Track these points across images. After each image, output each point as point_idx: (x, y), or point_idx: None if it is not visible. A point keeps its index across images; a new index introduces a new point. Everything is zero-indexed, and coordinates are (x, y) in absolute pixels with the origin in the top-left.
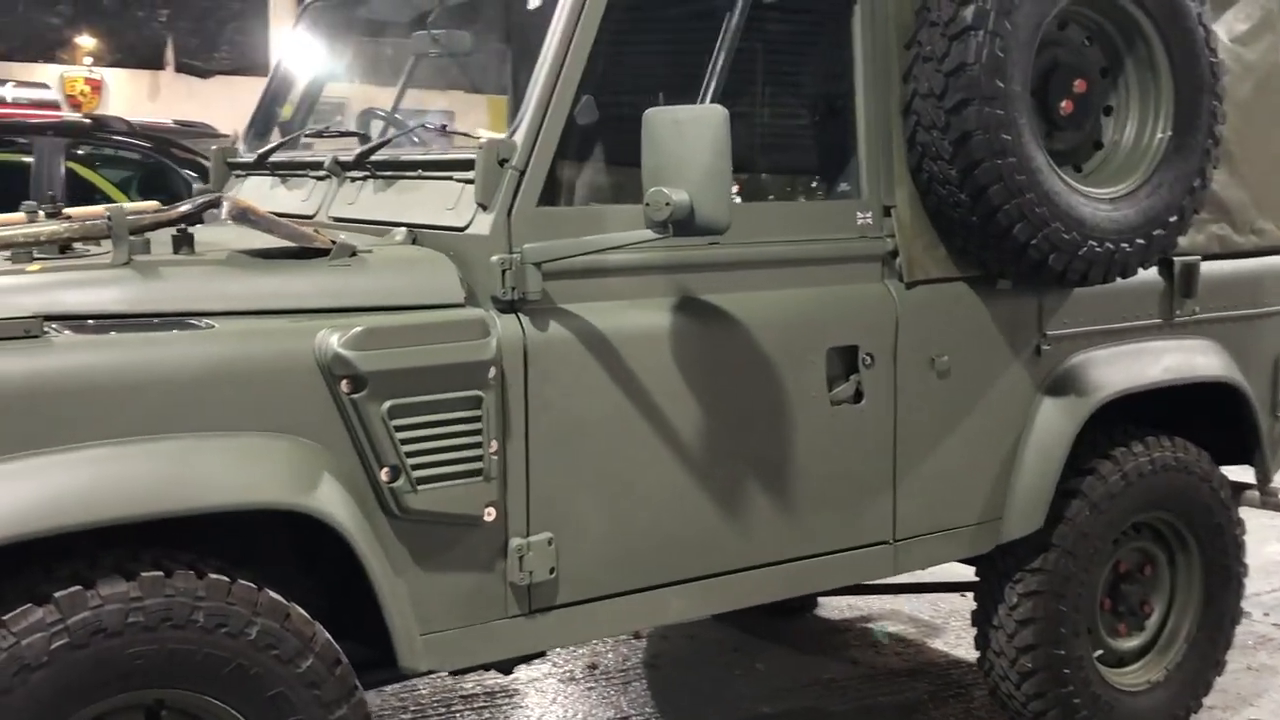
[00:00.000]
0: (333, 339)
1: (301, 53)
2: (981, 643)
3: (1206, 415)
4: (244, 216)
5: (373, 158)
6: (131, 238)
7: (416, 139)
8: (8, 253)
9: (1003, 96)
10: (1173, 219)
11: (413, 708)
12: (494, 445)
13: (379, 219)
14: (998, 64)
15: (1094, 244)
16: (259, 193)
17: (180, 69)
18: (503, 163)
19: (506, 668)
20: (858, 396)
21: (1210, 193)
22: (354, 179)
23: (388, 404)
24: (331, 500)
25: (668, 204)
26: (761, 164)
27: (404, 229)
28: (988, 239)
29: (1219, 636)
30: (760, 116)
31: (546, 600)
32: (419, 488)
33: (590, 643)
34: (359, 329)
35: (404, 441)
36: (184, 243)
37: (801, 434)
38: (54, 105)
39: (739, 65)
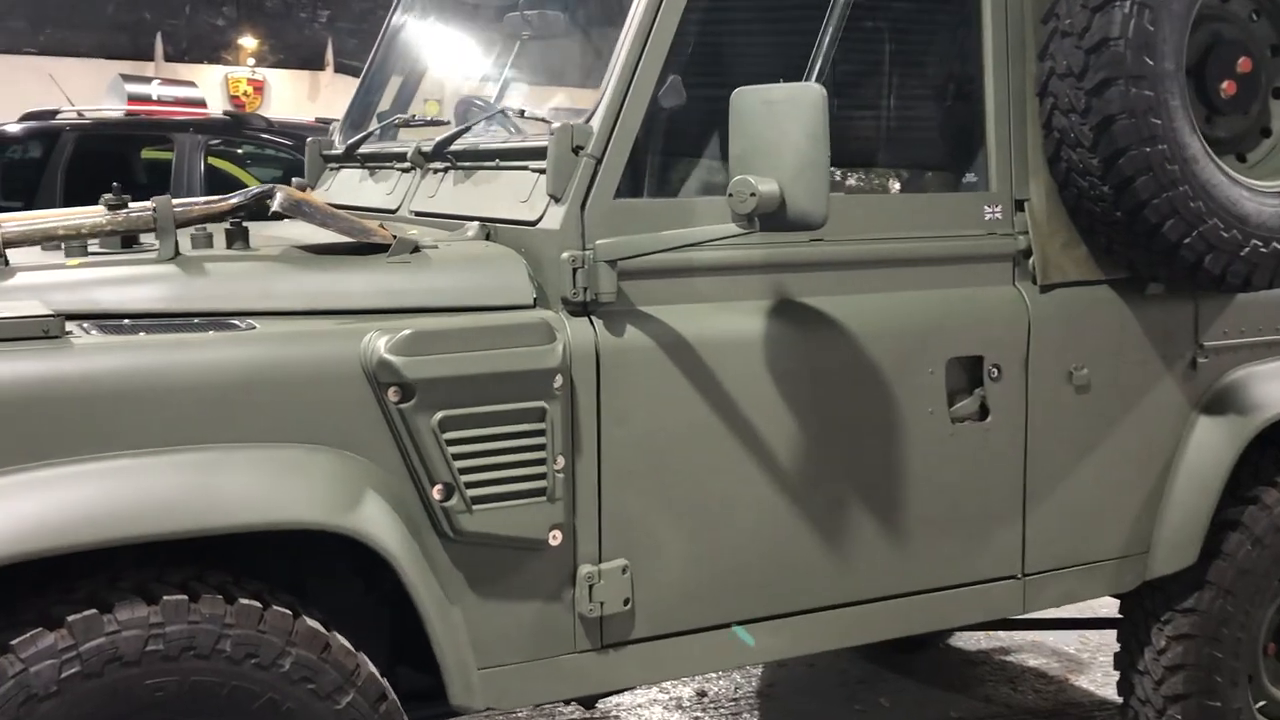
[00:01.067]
0: (379, 343)
1: (399, 42)
2: (1125, 689)
3: None
4: (298, 209)
5: (452, 148)
6: (193, 232)
7: (498, 127)
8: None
9: (1152, 75)
10: None
11: None
12: (560, 462)
13: (457, 213)
14: (1146, 38)
15: (1259, 244)
16: (348, 186)
17: (339, 69)
18: (577, 150)
19: (588, 702)
20: (983, 413)
21: None
22: (435, 170)
23: (439, 415)
24: (374, 520)
25: (753, 194)
26: (876, 153)
27: (477, 224)
28: (1135, 237)
29: None
30: (875, 100)
31: (621, 634)
32: (474, 508)
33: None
34: (407, 332)
35: (457, 456)
36: (238, 237)
37: (915, 454)
38: (200, 103)
39: (849, 42)
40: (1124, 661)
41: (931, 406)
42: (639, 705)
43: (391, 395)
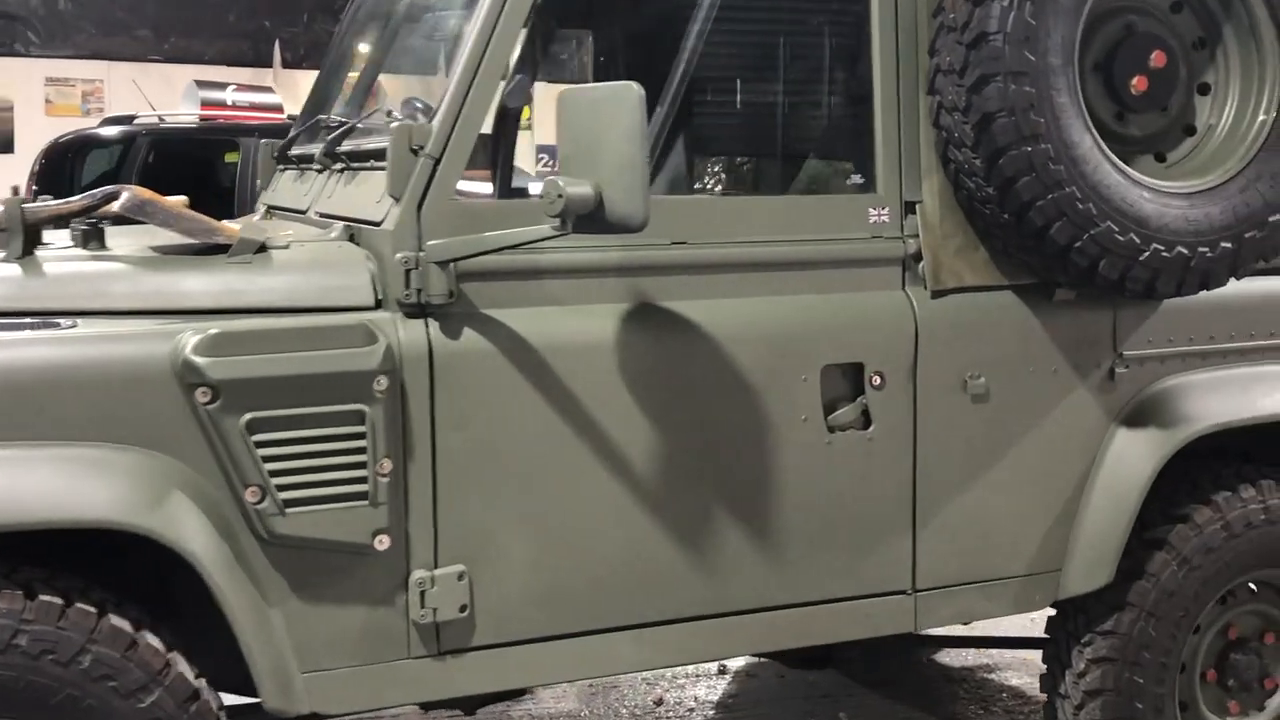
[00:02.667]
0: (187, 343)
1: (349, 42)
2: (1049, 713)
3: None
4: (141, 209)
5: (344, 149)
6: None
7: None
8: None
9: (1034, 71)
10: (1274, 218)
11: None
12: (386, 465)
13: (336, 213)
14: (1027, 32)
15: (1161, 248)
16: (284, 187)
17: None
18: (417, 150)
19: (468, 707)
20: (866, 422)
21: None
22: (335, 171)
23: (247, 417)
24: (176, 521)
25: (560, 195)
26: (752, 152)
27: (342, 225)
28: (1024, 240)
29: None
30: (756, 98)
31: (460, 641)
32: (288, 511)
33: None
34: (213, 331)
35: (268, 459)
36: (92, 238)
37: (787, 463)
38: (277, 109)
39: (724, 37)
40: (1048, 684)
41: (805, 414)
42: (597, 713)
43: (200, 396)
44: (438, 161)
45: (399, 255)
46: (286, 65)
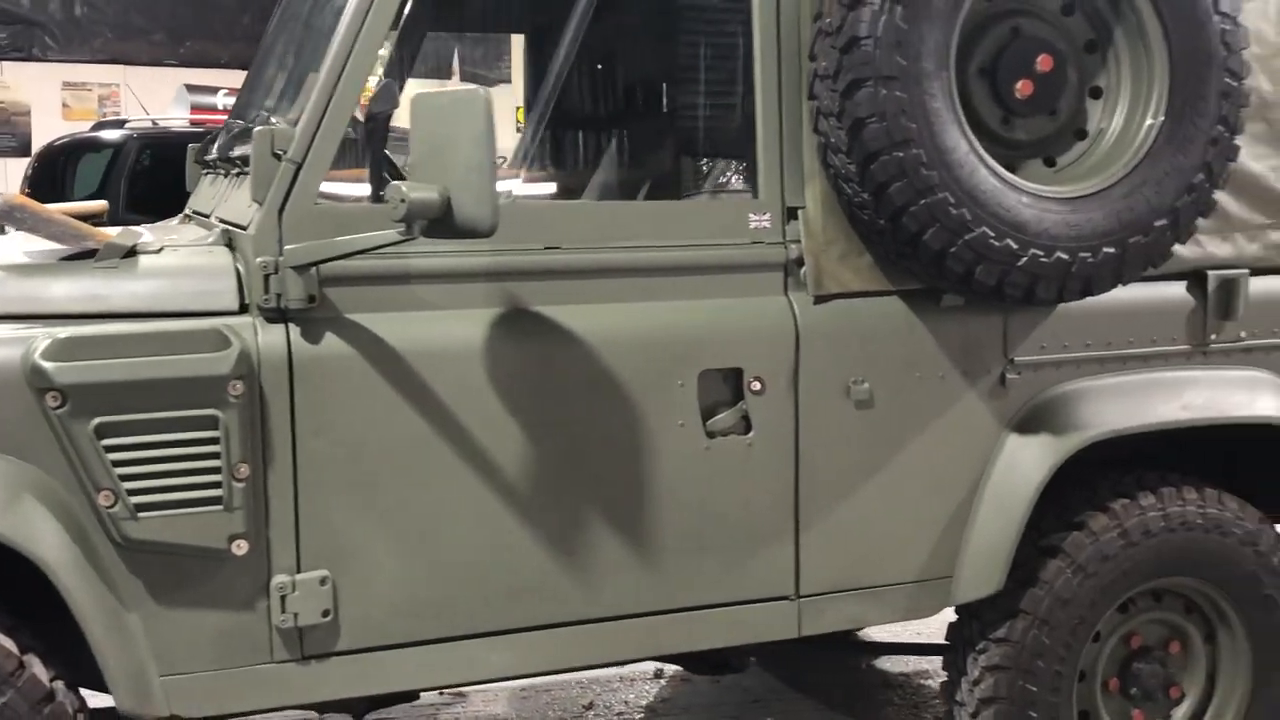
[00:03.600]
0: (38, 347)
1: (276, 45)
2: None
3: None
4: (9, 215)
5: (235, 153)
6: None
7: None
8: None
9: (905, 76)
10: (1160, 223)
11: None
12: (243, 470)
13: (225, 217)
14: (898, 37)
15: (1039, 253)
16: (204, 191)
17: (465, 78)
18: (279, 155)
19: (356, 712)
20: (746, 427)
21: (1272, 194)
22: (234, 175)
23: (95, 421)
24: (28, 525)
25: (403, 200)
26: (633, 156)
27: (221, 229)
28: (901, 246)
29: None
30: (633, 101)
31: (324, 646)
32: (140, 515)
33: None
34: (61, 336)
35: (118, 463)
36: None
37: (663, 468)
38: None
39: (600, 37)
40: (948, 692)
41: (682, 420)
42: (522, 717)
43: (50, 400)
44: (300, 166)
45: (259, 260)
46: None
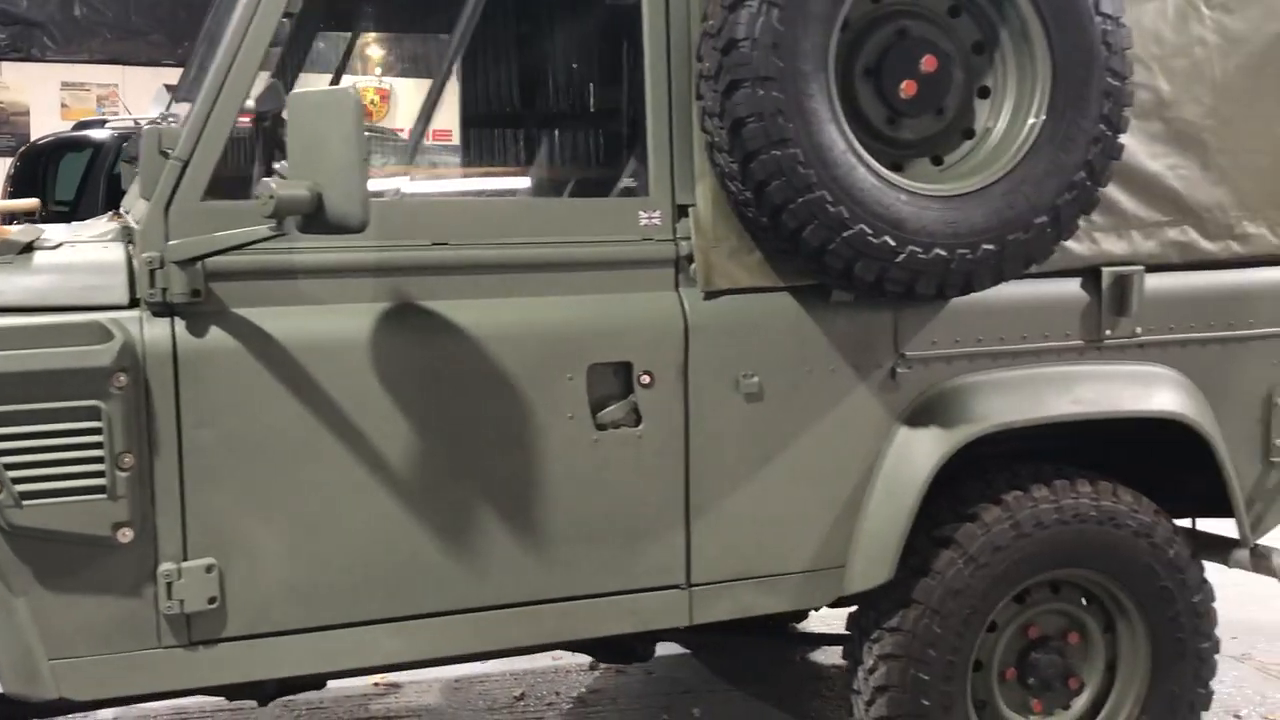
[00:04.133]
0: None
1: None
2: (848, 710)
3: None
4: None
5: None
6: None
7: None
8: None
9: (782, 77)
10: (1040, 221)
11: None
12: (127, 460)
13: (135, 215)
14: (775, 38)
15: (918, 249)
16: (133, 188)
17: (399, 74)
18: (166, 152)
19: (261, 699)
20: (637, 420)
21: (1168, 191)
22: None
23: None
24: None
25: (271, 197)
26: (525, 153)
27: (120, 225)
28: (782, 243)
29: None
30: (526, 99)
31: (211, 632)
32: (25, 503)
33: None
34: None
35: (3, 453)
36: None
37: (552, 460)
38: (248, 112)
39: (491, 38)
40: (847, 681)
41: (571, 412)
42: (454, 707)
43: None
44: (185, 164)
45: (145, 255)
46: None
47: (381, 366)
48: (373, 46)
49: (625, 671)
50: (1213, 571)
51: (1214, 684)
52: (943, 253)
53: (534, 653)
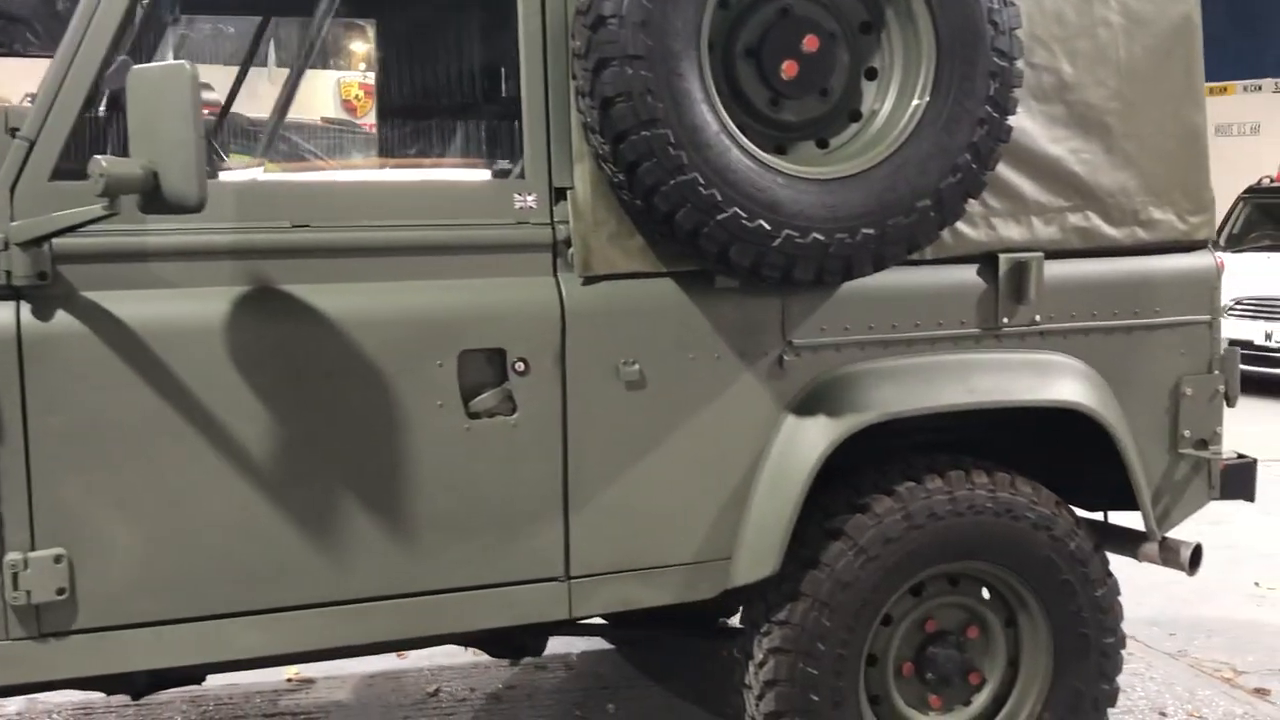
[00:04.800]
0: None
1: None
2: (738, 704)
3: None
4: None
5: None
6: None
7: None
8: None
9: (651, 55)
10: (922, 204)
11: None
12: None
13: None
14: (644, 16)
15: (794, 234)
16: None
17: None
18: (13, 132)
19: (133, 692)
20: (512, 408)
21: (1070, 176)
22: None
23: None
24: None
25: (102, 175)
26: (401, 135)
27: None
28: (656, 226)
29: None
30: (399, 81)
31: (62, 624)
32: None
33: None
34: None
35: None
36: None
37: (421, 449)
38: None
39: (384, 26)
40: (738, 675)
41: (441, 400)
42: (365, 703)
43: None
44: (32, 144)
45: None
46: (281, 64)
47: (238, 352)
48: (357, 41)
49: (545, 667)
50: (1157, 569)
51: (1148, 681)
52: (820, 237)
53: (414, 648)
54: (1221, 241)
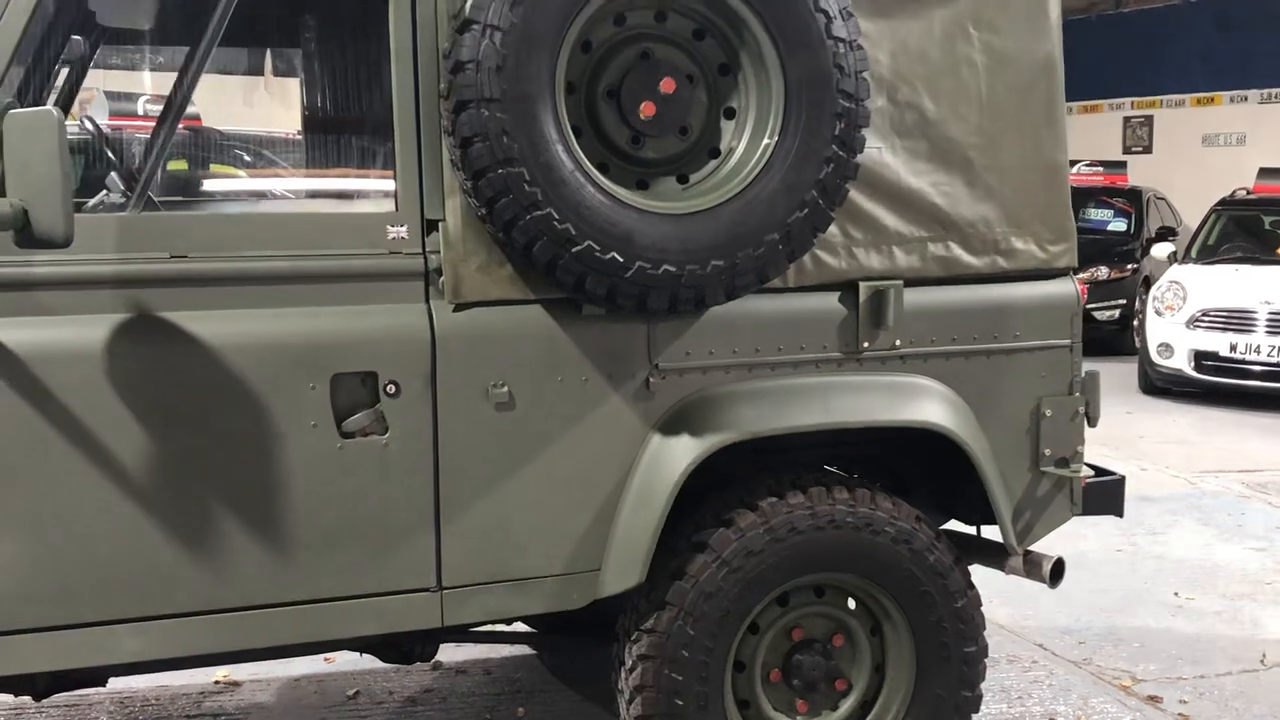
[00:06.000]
0: None
1: None
2: (615, 710)
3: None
4: None
5: None
6: None
7: None
8: None
9: (507, 99)
10: (771, 238)
11: None
12: None
13: None
14: (499, 61)
15: (646, 265)
16: None
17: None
18: None
19: (34, 694)
20: (385, 428)
21: (931, 208)
22: None
23: None
24: None
25: None
26: (280, 166)
27: None
28: (516, 257)
29: None
30: (277, 112)
31: None
32: None
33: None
34: None
35: None
36: None
37: (294, 467)
38: (194, 117)
39: (237, 49)
40: (613, 681)
41: (314, 421)
42: (290, 706)
43: None
44: None
45: None
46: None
47: (115, 375)
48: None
49: (465, 671)
50: (1090, 578)
51: (1045, 687)
52: (672, 268)
53: (294, 655)
54: (1194, 253)
